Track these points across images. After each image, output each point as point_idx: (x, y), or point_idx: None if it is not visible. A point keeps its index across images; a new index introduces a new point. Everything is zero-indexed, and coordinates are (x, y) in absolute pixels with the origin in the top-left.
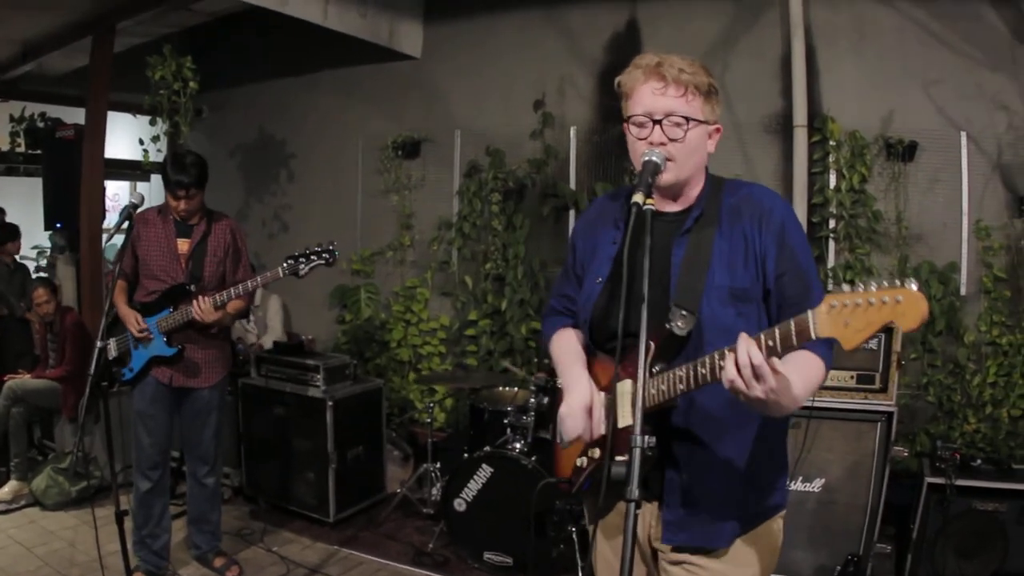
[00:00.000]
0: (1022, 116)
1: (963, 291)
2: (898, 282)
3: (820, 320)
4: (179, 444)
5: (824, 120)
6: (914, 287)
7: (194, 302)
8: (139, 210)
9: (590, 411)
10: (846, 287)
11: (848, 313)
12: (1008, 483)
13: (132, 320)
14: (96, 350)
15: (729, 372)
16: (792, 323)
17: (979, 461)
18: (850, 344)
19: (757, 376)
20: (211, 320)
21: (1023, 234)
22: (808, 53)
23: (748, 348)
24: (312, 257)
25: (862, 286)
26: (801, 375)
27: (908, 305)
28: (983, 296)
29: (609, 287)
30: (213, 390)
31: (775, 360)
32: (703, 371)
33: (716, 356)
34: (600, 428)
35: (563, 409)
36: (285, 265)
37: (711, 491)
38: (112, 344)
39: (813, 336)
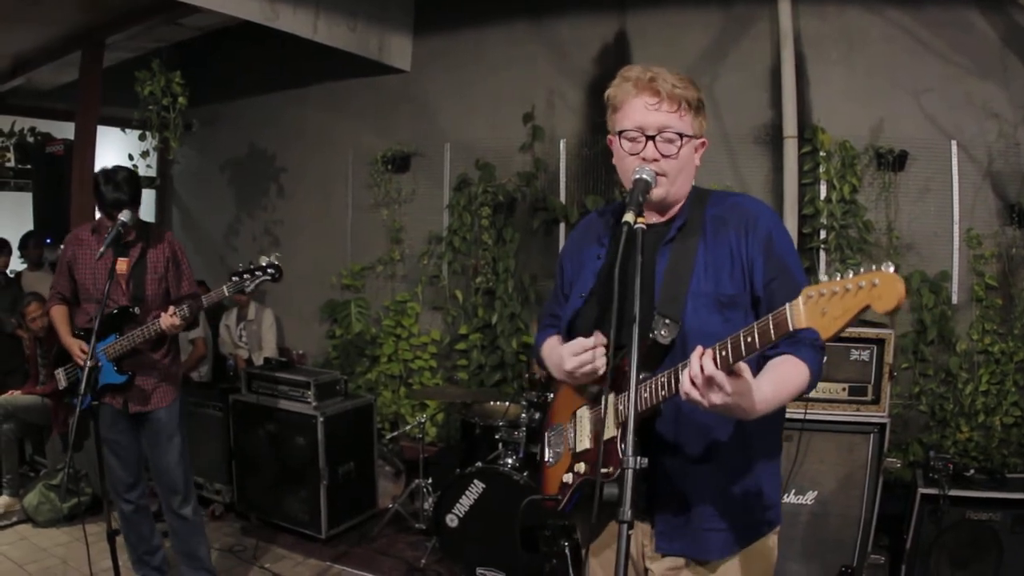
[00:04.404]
0: (1012, 124)
1: (955, 300)
2: (874, 267)
3: (796, 312)
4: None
5: (814, 130)
6: (891, 269)
7: (162, 317)
8: (73, 230)
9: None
10: (824, 277)
11: (825, 302)
12: (1001, 492)
13: (76, 350)
14: (86, 369)
15: (684, 384)
16: (770, 317)
17: (972, 471)
18: (827, 333)
19: (712, 386)
20: (178, 329)
21: (1014, 242)
22: (797, 63)
23: (701, 360)
24: (257, 273)
25: (839, 275)
26: (774, 379)
27: (884, 287)
28: (975, 304)
29: (592, 301)
30: (170, 411)
31: (740, 364)
32: (674, 380)
33: (681, 365)
34: (600, 361)
35: (564, 350)
36: (230, 283)
37: (701, 498)
38: (62, 375)
39: (791, 327)
